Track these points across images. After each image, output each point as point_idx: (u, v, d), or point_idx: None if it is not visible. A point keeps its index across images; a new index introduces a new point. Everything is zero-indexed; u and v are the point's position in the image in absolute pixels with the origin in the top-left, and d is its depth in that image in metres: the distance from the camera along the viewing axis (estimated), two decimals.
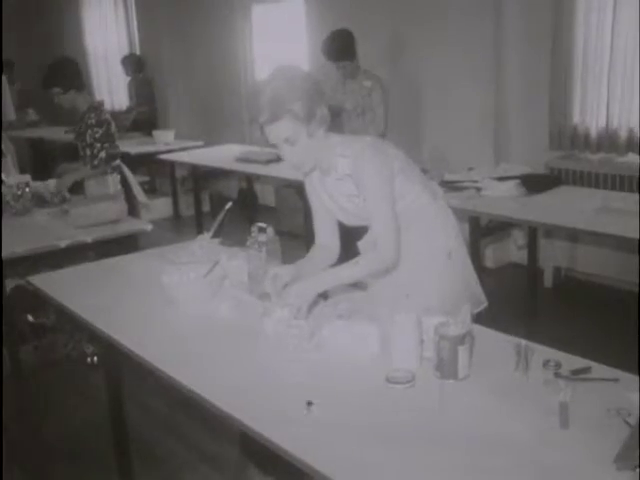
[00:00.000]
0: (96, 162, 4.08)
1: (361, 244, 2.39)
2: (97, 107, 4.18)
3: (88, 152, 4.09)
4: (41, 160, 7.82)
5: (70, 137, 4.94)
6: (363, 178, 2.09)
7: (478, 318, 2.23)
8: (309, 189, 2.33)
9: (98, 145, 4.08)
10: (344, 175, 2.15)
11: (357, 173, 2.10)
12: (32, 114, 8.19)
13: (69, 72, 4.12)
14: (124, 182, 4.24)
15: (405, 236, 2.13)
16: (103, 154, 4.08)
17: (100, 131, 4.08)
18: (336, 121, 4.72)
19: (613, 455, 1.34)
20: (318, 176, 2.26)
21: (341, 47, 4.60)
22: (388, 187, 2.11)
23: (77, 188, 4.13)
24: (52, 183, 4.13)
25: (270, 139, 2.04)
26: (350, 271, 2.14)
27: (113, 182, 4.16)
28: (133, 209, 4.16)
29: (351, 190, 2.17)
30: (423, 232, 2.27)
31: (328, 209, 2.30)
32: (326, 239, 2.34)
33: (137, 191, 4.38)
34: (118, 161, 4.25)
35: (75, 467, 2.96)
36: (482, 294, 2.42)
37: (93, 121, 4.08)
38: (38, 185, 4.05)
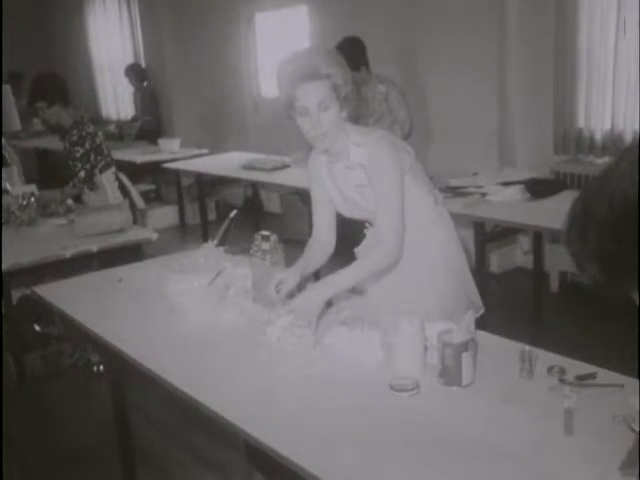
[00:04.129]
0: (83, 175, 4.05)
1: (359, 251, 2.37)
2: (80, 122, 4.09)
3: (78, 170, 4.08)
4: (47, 170, 7.84)
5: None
6: (377, 168, 2.07)
7: (478, 324, 2.22)
8: (312, 175, 2.29)
9: (87, 159, 4.03)
10: (355, 164, 2.13)
11: (371, 163, 2.08)
12: (37, 124, 8.21)
13: (52, 87, 4.09)
14: (123, 190, 4.24)
15: (406, 239, 2.11)
16: (97, 170, 4.06)
17: (82, 149, 4.03)
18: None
19: (618, 462, 1.33)
20: (325, 163, 2.23)
21: (345, 56, 4.58)
22: (400, 181, 2.09)
23: (75, 197, 4.14)
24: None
25: (303, 101, 1.99)
26: (355, 272, 2.11)
27: (112, 190, 4.16)
28: (134, 217, 4.15)
29: (359, 180, 2.14)
30: (423, 236, 2.25)
31: (329, 199, 2.27)
32: (324, 233, 2.31)
33: (136, 197, 4.39)
34: (113, 168, 4.23)
35: (80, 476, 2.96)
36: (479, 299, 2.40)
37: (75, 138, 4.03)
38: (47, 193, 4.05)
